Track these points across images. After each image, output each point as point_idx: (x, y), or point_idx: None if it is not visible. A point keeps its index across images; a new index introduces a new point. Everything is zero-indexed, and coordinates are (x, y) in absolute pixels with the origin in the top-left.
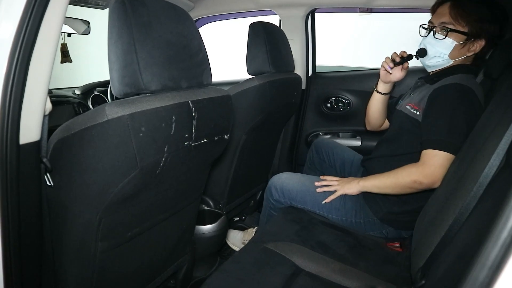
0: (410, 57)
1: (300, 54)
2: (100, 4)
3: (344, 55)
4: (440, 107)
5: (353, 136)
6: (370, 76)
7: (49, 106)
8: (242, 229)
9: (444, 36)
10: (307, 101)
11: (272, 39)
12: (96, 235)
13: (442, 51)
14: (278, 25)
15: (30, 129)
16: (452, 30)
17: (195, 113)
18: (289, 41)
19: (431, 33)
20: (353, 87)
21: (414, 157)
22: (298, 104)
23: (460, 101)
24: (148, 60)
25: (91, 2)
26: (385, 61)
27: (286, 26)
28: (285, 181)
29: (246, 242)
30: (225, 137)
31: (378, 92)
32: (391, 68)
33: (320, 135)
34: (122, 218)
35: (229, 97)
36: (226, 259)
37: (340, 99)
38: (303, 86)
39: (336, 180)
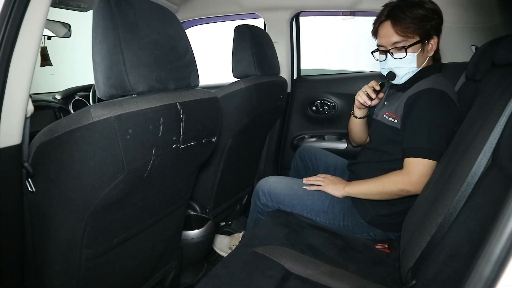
0: (382, 85)
1: (285, 58)
2: (81, 6)
3: (330, 59)
4: (417, 115)
5: (339, 138)
6: (355, 79)
7: (31, 108)
8: (229, 234)
9: (405, 54)
10: (293, 104)
11: (258, 42)
12: (81, 242)
13: (409, 66)
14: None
15: (11, 132)
16: (408, 46)
17: (183, 115)
18: (274, 44)
19: (389, 55)
20: (338, 90)
21: (400, 162)
22: (283, 107)
23: (435, 105)
24: (135, 60)
25: (72, 4)
26: (360, 97)
27: (271, 30)
28: (273, 184)
29: (233, 247)
30: (213, 139)
31: (356, 117)
32: (369, 102)
33: (305, 138)
34: (108, 224)
35: (216, 99)
36: (213, 265)
37: (325, 102)
38: (289, 89)
39: (322, 177)
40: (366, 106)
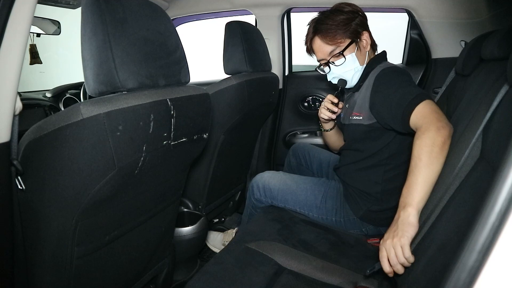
0: (338, 95)
1: (277, 54)
2: (70, 3)
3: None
4: (386, 91)
5: None
6: None
7: (19, 105)
8: (222, 230)
9: (344, 59)
10: (284, 101)
11: (249, 38)
12: (72, 240)
13: (354, 67)
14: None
15: None
16: (343, 51)
17: (173, 112)
18: (266, 40)
19: (331, 65)
20: (330, 86)
21: (380, 154)
22: (275, 103)
23: (394, 76)
24: (124, 57)
25: (61, 1)
26: (324, 113)
27: (262, 26)
28: (267, 179)
29: (227, 243)
30: (204, 136)
31: (327, 131)
32: (334, 115)
33: (298, 134)
34: (99, 221)
35: (207, 96)
36: (207, 262)
37: (317, 98)
38: (280, 86)
39: (384, 241)
40: (332, 119)
